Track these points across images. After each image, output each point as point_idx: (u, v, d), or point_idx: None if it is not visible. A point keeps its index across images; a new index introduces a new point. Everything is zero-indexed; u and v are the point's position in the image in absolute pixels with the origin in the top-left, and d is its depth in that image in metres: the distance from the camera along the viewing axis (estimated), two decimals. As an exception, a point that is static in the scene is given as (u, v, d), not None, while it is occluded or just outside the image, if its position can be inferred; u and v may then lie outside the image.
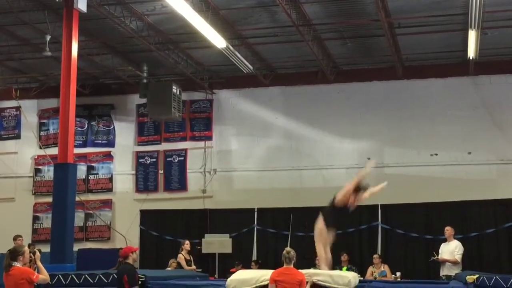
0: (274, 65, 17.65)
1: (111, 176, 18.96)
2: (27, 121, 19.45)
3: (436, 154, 16.92)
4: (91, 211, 18.75)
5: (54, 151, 16.76)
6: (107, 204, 18.85)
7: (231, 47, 14.64)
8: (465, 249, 13.93)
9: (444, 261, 13.85)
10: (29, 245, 15.95)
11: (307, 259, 14.43)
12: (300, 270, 9.22)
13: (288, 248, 9.29)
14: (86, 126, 19.23)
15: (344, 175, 17.17)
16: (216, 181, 18.27)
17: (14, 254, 8.08)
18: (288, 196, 17.33)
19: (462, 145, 16.74)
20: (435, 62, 17.04)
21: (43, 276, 8.23)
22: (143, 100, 18.13)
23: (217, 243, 16.88)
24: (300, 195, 17.34)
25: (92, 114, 19.25)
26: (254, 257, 17.11)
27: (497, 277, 10.07)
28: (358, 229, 16.80)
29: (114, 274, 9.98)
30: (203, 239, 16.98)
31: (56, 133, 17.93)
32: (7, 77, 18.39)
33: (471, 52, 14.90)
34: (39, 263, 8.47)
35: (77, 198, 14.45)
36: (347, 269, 15.08)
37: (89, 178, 19.04)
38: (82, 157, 18.82)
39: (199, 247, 16.67)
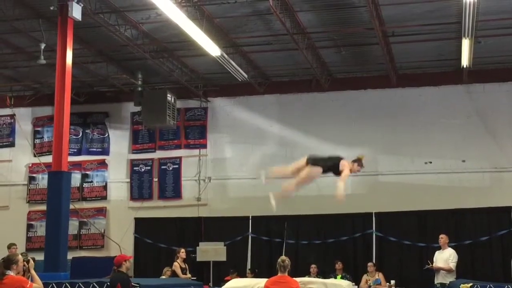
0: (269, 73, 17.69)
1: (106, 184, 18.93)
2: (22, 129, 19.43)
3: (430, 162, 16.95)
4: (85, 219, 18.70)
5: (48, 159, 16.74)
6: (102, 212, 18.81)
7: (225, 55, 14.67)
8: (459, 257, 13.94)
9: (438, 269, 13.87)
10: (22, 254, 15.92)
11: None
12: (294, 278, 9.22)
13: (283, 257, 9.30)
14: (80, 134, 19.21)
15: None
16: (211, 189, 18.26)
17: (8, 262, 8.05)
18: (283, 204, 17.23)
19: (456, 153, 16.78)
20: (429, 70, 17.09)
21: (37, 284, 8.19)
22: (138, 108, 18.13)
23: (212, 251, 16.84)
24: (294, 203, 17.29)
25: (87, 122, 19.22)
26: (249, 265, 17.10)
27: (491, 285, 10.10)
28: (352, 237, 16.82)
29: (108, 283, 9.97)
30: (197, 247, 16.94)
31: (50, 141, 17.93)
32: (2, 85, 18.38)
33: (465, 61, 14.97)
34: (32, 272, 8.44)
35: (71, 206, 14.43)
36: (342, 277, 15.10)
37: (84, 186, 19.00)
38: (77, 165, 18.79)
39: (193, 255, 16.64)
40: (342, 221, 17.02)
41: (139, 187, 18.69)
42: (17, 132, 19.62)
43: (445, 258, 13.83)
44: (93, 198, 18.94)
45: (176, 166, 18.58)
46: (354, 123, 17.47)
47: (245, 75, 16.19)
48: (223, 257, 16.75)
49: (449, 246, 14.16)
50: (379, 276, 15.23)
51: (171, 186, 18.50)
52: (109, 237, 18.52)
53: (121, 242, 18.08)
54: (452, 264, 13.70)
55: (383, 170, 17.17)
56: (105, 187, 18.92)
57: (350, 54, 16.15)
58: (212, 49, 14.04)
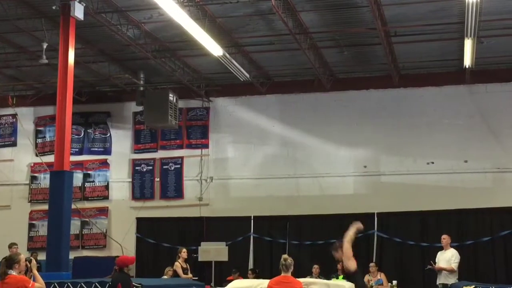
0: (271, 73, 17.67)
1: (107, 183, 18.92)
2: (24, 128, 19.42)
3: (433, 163, 16.92)
4: (87, 219, 18.71)
5: (50, 158, 16.77)
6: (103, 211, 18.80)
7: (227, 55, 14.66)
8: (461, 258, 13.91)
9: (440, 270, 13.84)
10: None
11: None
12: (297, 279, 9.19)
13: (285, 256, 9.21)
14: (82, 134, 19.21)
15: (340, 183, 17.25)
16: (213, 189, 18.25)
17: (10, 262, 8.04)
18: (285, 204, 17.32)
19: (458, 153, 16.75)
20: (431, 70, 17.07)
21: (39, 284, 8.19)
22: (140, 108, 18.14)
23: (214, 251, 16.82)
24: (296, 203, 17.33)
25: (89, 122, 19.24)
26: (251, 265, 17.09)
27: (494, 287, 10.08)
28: (354, 237, 16.77)
29: (110, 283, 9.97)
30: (199, 247, 16.93)
31: (52, 140, 17.91)
32: (4, 84, 18.37)
33: (467, 61, 14.96)
34: (35, 271, 8.44)
35: (73, 206, 14.40)
36: (344, 278, 15.05)
37: (85, 185, 18.99)
38: (79, 165, 18.79)
39: (195, 255, 16.62)
40: (344, 222, 16.91)
41: (141, 187, 18.68)
42: (19, 131, 19.62)
43: (447, 258, 13.81)
44: (95, 198, 18.94)
45: (178, 166, 18.57)
46: (356, 123, 17.45)
47: (247, 75, 16.18)
48: (225, 257, 16.73)
49: (451, 247, 14.14)
50: (381, 276, 15.20)
51: (173, 186, 18.50)
52: (111, 237, 18.52)
53: (123, 242, 18.08)
54: (454, 265, 13.68)
55: (385, 170, 17.16)
56: (107, 187, 18.92)
57: (353, 54, 16.13)
58: (214, 48, 14.03)
